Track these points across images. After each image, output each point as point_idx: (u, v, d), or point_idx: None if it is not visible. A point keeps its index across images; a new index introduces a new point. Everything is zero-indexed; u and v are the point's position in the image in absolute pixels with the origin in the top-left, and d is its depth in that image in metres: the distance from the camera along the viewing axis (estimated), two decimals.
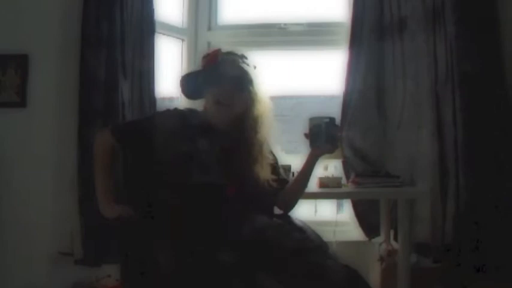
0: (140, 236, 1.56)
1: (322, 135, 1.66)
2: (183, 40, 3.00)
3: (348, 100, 2.66)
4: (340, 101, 2.68)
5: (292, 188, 1.82)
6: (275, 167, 1.80)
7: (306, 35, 2.95)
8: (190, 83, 1.78)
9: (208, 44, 2.92)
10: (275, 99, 1.77)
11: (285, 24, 2.94)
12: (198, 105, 1.82)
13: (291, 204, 1.82)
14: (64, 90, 2.60)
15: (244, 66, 1.72)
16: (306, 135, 1.70)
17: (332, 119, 1.68)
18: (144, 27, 2.66)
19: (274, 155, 1.83)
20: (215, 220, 1.56)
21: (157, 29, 2.70)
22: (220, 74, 1.68)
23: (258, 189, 1.70)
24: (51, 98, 2.61)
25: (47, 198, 2.55)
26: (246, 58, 1.75)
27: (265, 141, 1.76)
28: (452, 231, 2.41)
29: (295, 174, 1.92)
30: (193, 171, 1.64)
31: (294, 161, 2.49)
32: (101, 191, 1.72)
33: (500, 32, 2.51)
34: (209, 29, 2.98)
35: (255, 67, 1.74)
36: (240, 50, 1.78)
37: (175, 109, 1.82)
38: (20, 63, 2.62)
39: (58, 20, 2.63)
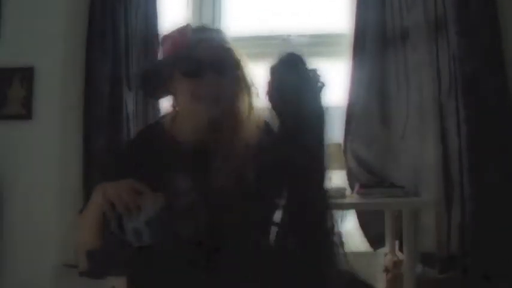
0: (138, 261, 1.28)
1: None
2: None
3: (351, 111, 2.66)
4: (343, 112, 2.68)
5: None
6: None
7: (309, 46, 2.95)
8: (155, 76, 1.37)
9: None
10: None
11: (288, 35, 2.96)
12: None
13: None
14: (69, 103, 2.62)
15: (225, 44, 1.36)
16: None
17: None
18: (149, 40, 2.68)
19: None
20: None
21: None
22: (198, 59, 1.30)
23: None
24: (56, 111, 2.62)
25: (51, 210, 2.56)
26: (222, 33, 1.40)
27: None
28: (458, 241, 2.40)
29: None
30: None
31: None
32: None
33: (502, 40, 2.52)
34: None
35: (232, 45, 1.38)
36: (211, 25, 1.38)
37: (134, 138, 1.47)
38: (25, 75, 2.65)
39: (63, 33, 2.66)
